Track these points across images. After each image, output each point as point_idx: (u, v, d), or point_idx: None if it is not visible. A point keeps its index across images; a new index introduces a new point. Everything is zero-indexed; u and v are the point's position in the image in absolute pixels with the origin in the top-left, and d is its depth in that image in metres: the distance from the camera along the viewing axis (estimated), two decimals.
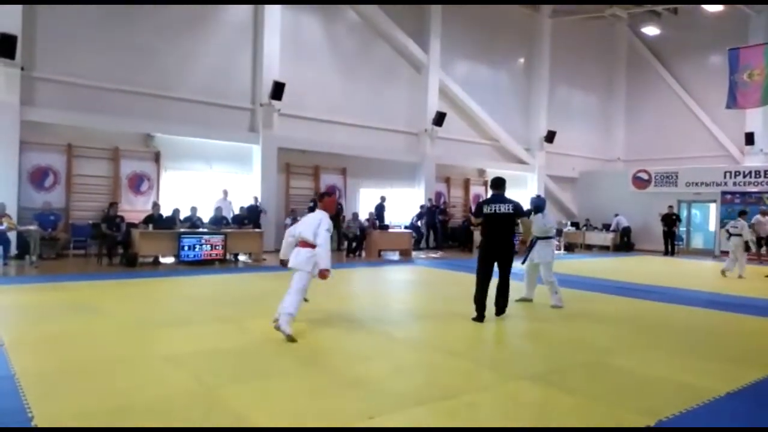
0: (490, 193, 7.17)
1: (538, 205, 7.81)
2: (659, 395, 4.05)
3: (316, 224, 5.71)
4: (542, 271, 7.57)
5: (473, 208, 7.72)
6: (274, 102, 14.52)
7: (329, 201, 6.32)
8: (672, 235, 18.43)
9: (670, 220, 18.32)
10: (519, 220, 6.89)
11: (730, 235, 12.51)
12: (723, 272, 12.33)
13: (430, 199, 17.55)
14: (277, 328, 5.34)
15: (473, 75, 19.59)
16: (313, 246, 5.58)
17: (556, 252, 7.71)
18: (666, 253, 18.33)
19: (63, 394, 3.78)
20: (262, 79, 14.53)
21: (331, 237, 6.34)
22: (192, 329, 5.78)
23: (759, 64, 16.85)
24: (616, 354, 5.26)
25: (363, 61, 16.77)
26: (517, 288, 7.62)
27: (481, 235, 6.86)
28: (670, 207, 18.47)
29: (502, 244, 6.66)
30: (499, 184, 6.85)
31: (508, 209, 6.62)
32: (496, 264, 6.70)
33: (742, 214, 12.82)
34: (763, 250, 13.61)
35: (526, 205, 7.67)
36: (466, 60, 19.44)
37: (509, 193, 6.98)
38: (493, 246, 6.66)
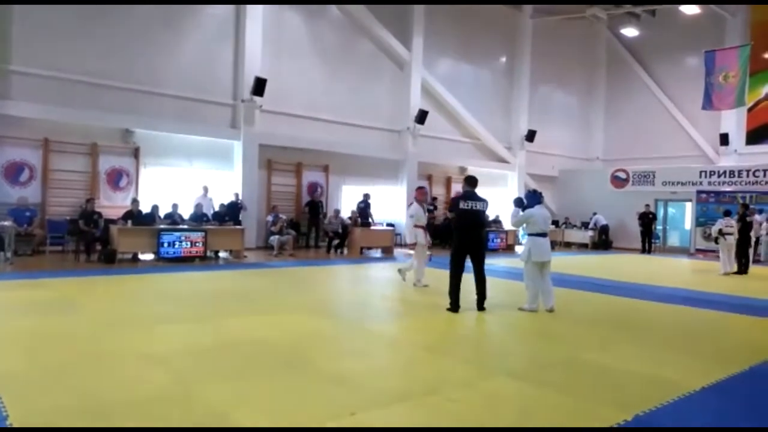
0: (463, 190, 7.33)
1: (515, 199, 7.78)
2: (636, 390, 4.12)
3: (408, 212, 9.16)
4: None
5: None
6: (256, 98, 14.41)
7: (417, 192, 9.43)
8: (649, 233, 18.76)
9: (647, 219, 18.64)
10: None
11: (723, 234, 12.69)
12: (726, 274, 12.53)
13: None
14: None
15: (455, 73, 19.67)
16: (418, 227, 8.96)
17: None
18: (643, 250, 18.65)
19: (39, 392, 3.72)
20: (244, 74, 14.40)
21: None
22: (171, 327, 5.73)
23: (734, 66, 17.21)
24: (595, 350, 5.35)
25: (346, 58, 16.73)
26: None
27: (455, 230, 7.14)
28: (647, 206, 18.79)
29: (475, 239, 7.02)
30: (474, 181, 7.22)
31: (483, 206, 7.02)
32: (468, 258, 7.01)
33: (727, 213, 13.07)
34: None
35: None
36: (448, 58, 19.51)
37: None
38: (467, 241, 6.99)
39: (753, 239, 13.45)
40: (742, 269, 12.74)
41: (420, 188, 9.75)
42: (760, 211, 13.87)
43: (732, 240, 12.64)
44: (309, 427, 3.29)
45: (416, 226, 9.00)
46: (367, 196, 16.24)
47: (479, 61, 20.42)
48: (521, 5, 20.91)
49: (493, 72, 21.09)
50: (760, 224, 13.80)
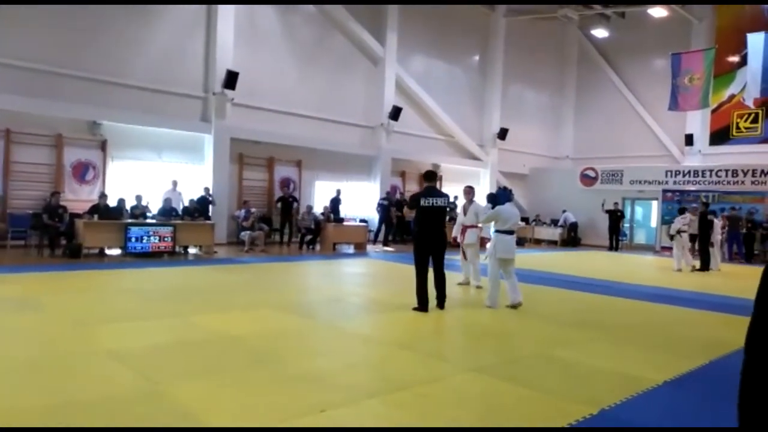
0: (424, 185, 7.11)
1: (488, 195, 7.90)
2: (602, 385, 4.21)
3: None
4: None
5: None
6: (227, 91, 14.21)
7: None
8: (617, 231, 19.17)
9: (615, 216, 19.06)
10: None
11: (679, 232, 13.08)
12: (681, 269, 12.90)
13: (388, 192, 17.60)
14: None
15: (429, 70, 19.74)
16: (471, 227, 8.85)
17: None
18: (611, 248, 19.06)
19: (1, 391, 3.61)
20: (215, 67, 14.18)
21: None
22: (138, 324, 5.62)
23: (699, 69, 17.65)
24: (562, 346, 5.44)
25: (319, 53, 16.62)
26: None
27: (416, 227, 6.88)
28: (615, 204, 19.19)
29: (436, 236, 6.80)
30: (433, 176, 7.07)
31: (444, 202, 6.82)
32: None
33: (683, 211, 13.52)
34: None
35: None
36: (422, 55, 19.56)
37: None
38: (429, 238, 6.77)
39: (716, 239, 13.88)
40: (704, 266, 13.15)
41: (468, 187, 9.17)
42: (715, 213, 14.33)
43: (687, 237, 13.08)
44: (281, 426, 3.26)
45: (470, 226, 8.72)
46: (338, 192, 16.23)
47: (453, 59, 20.52)
48: (494, 4, 21.07)
49: (466, 70, 21.23)
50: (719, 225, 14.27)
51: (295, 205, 15.37)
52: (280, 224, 15.34)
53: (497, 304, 7.12)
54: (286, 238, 15.42)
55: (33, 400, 3.48)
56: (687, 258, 13.17)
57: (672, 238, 13.36)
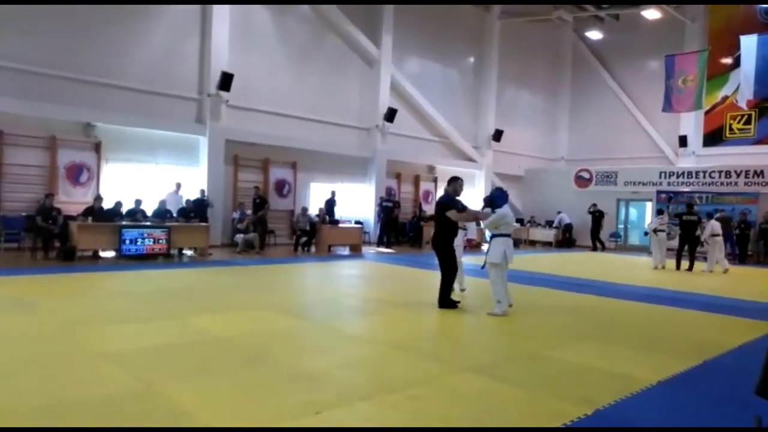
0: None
1: (485, 198, 7.82)
2: (597, 385, 4.22)
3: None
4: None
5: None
6: (222, 93, 14.18)
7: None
8: (597, 231, 19.33)
9: (594, 217, 19.21)
10: (447, 213, 7.02)
11: (656, 231, 13.36)
12: (657, 267, 13.09)
13: (386, 196, 17.59)
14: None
15: (424, 72, 19.76)
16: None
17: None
18: (594, 248, 19.17)
19: None
20: (210, 68, 14.16)
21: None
22: (132, 326, 5.60)
23: (692, 70, 17.77)
24: (557, 346, 5.45)
25: (314, 54, 16.61)
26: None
27: None
28: (594, 204, 19.32)
29: (435, 238, 7.22)
30: (451, 180, 7.28)
31: (439, 202, 7.20)
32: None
33: (660, 212, 13.81)
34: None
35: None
36: (417, 57, 19.58)
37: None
38: (433, 239, 7.28)
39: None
40: (678, 266, 13.33)
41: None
42: (705, 215, 14.42)
43: (664, 236, 13.45)
44: (278, 426, 3.26)
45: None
46: (333, 194, 16.21)
47: (448, 61, 20.56)
48: (489, 6, 21.14)
49: (461, 72, 21.27)
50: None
51: (265, 206, 14.55)
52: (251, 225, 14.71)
53: (506, 310, 6.84)
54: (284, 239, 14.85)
55: (26, 400, 3.46)
56: (661, 257, 13.38)
57: (653, 236, 13.70)
